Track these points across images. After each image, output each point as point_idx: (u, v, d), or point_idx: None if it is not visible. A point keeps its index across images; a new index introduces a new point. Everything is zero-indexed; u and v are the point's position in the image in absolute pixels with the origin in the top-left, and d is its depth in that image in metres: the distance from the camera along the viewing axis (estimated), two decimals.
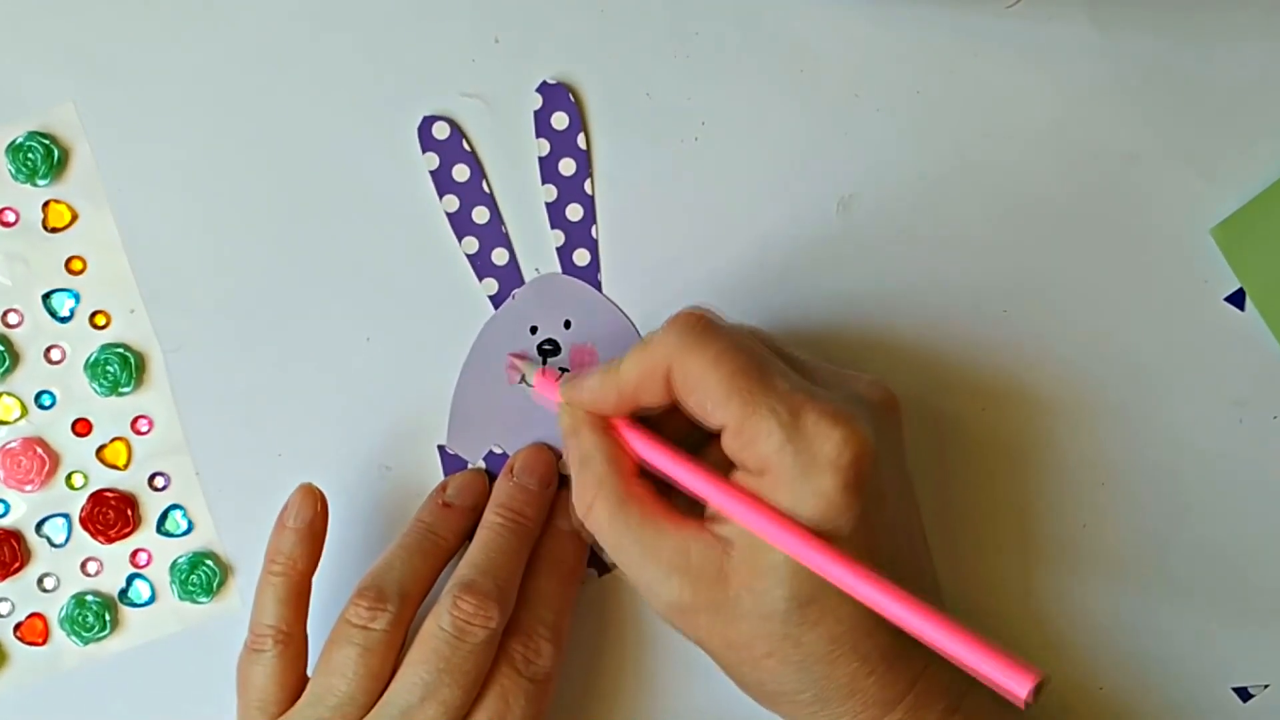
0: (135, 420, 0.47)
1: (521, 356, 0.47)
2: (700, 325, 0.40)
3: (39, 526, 0.47)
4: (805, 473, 0.38)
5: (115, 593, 0.47)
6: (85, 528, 0.47)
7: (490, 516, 0.45)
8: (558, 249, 0.47)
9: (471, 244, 0.47)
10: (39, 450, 0.47)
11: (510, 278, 0.47)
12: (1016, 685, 0.36)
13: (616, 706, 0.48)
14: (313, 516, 0.44)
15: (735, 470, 0.40)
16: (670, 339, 0.40)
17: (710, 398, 0.39)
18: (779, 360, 0.41)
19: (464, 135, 0.47)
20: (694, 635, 0.41)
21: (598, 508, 0.41)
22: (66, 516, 0.47)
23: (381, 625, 0.42)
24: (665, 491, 0.42)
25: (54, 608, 0.47)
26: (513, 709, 0.42)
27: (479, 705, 0.42)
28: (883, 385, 0.43)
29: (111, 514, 0.47)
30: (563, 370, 0.47)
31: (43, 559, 0.47)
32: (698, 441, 0.43)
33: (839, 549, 0.38)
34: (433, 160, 0.47)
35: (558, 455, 0.47)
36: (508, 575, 0.43)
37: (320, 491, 0.45)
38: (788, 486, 0.38)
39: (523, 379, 0.47)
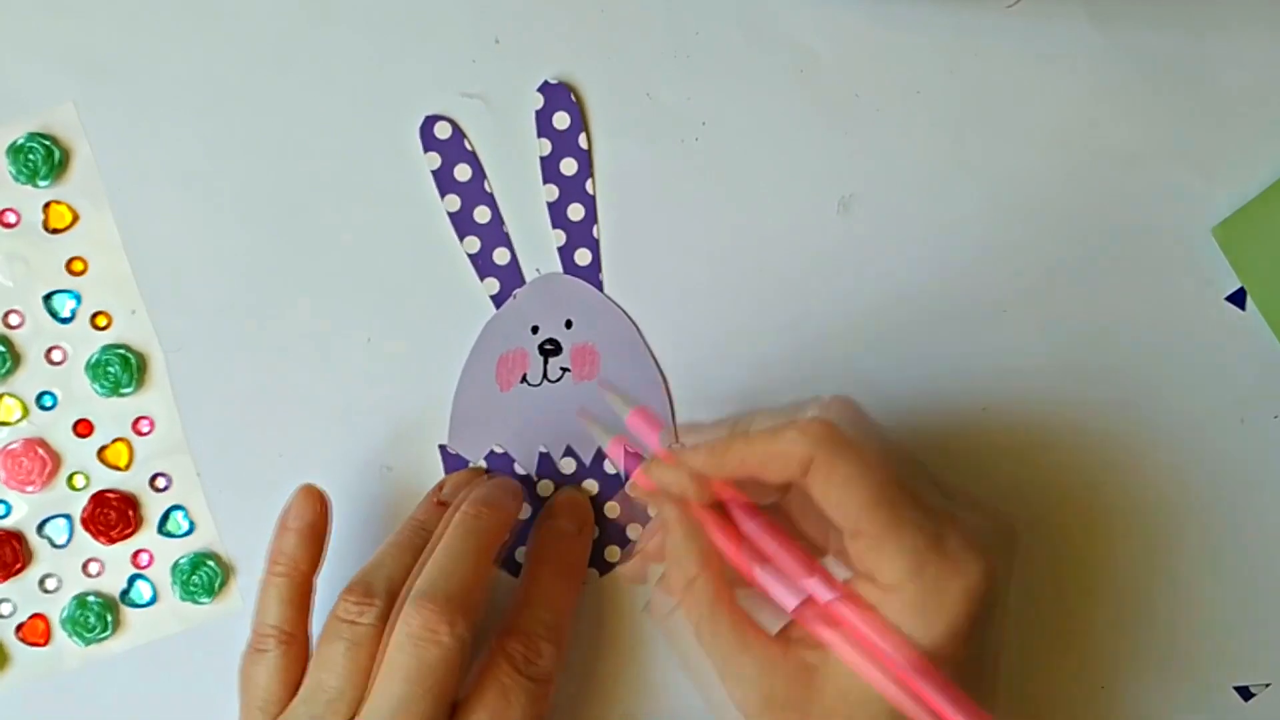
0: (136, 421, 0.47)
1: (615, 393, 0.46)
2: (854, 420, 0.40)
3: (40, 527, 0.47)
4: (937, 596, 0.37)
5: (117, 593, 0.47)
6: (87, 528, 0.47)
7: (461, 507, 0.44)
8: (559, 249, 0.47)
9: (473, 243, 0.47)
10: (40, 451, 0.47)
11: (511, 277, 0.47)
12: None
13: (616, 706, 0.48)
14: (314, 517, 0.44)
15: (853, 578, 0.39)
16: (818, 430, 0.39)
17: (857, 501, 0.38)
18: (924, 473, 0.40)
19: (465, 135, 0.47)
20: None
21: (693, 607, 0.40)
22: (68, 517, 0.47)
23: (369, 620, 0.42)
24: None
25: (55, 608, 0.47)
26: (513, 707, 0.42)
27: (479, 703, 0.42)
28: (1008, 520, 0.42)
29: (113, 515, 0.47)
30: (564, 370, 0.47)
31: (44, 560, 0.47)
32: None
33: (949, 679, 0.37)
34: (434, 160, 0.47)
35: (536, 479, 0.48)
36: (468, 579, 0.42)
37: (322, 491, 0.45)
38: (914, 606, 0.38)
39: (615, 400, 0.45)
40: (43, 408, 0.47)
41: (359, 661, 0.42)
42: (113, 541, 0.47)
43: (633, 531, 0.48)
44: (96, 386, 0.47)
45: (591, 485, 0.48)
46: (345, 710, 0.42)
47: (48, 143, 0.47)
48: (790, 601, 0.39)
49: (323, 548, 0.44)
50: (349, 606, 0.42)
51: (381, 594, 0.42)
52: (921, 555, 0.37)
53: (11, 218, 0.47)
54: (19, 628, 0.47)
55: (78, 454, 0.47)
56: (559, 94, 0.47)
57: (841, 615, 0.39)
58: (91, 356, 0.47)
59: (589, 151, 0.47)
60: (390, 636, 0.41)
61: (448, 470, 0.47)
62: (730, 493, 0.41)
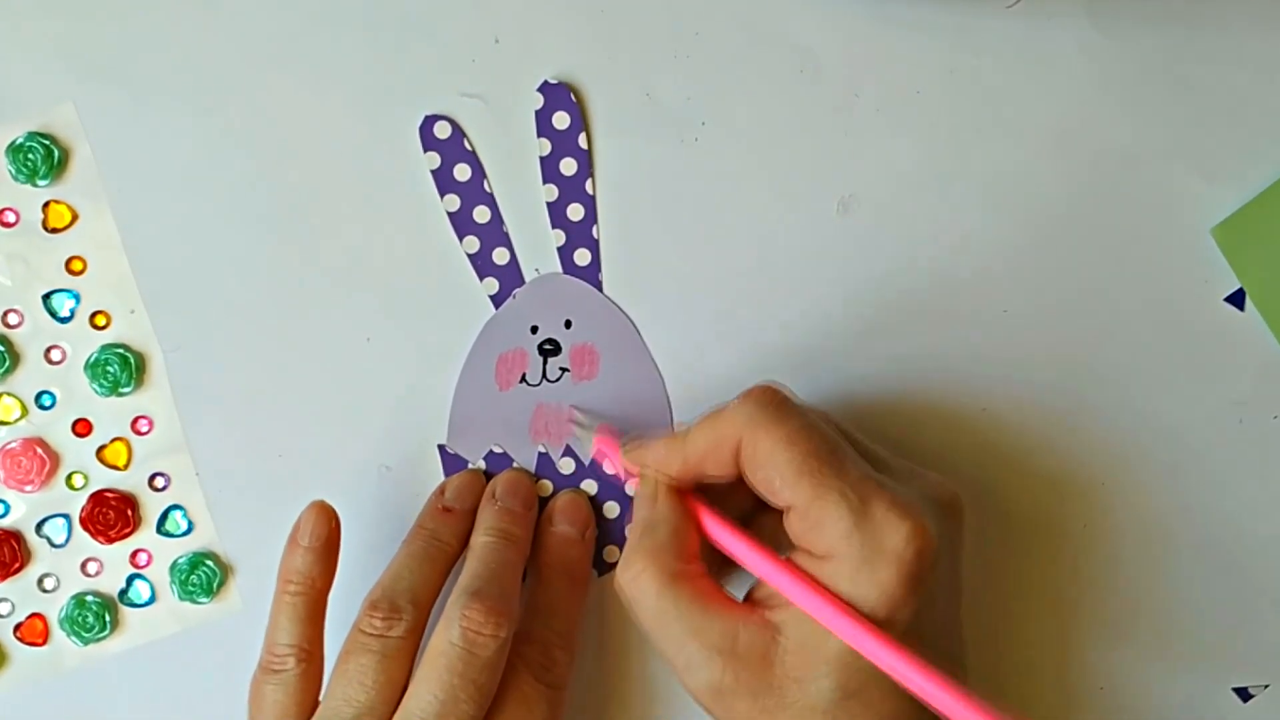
0: (135, 420, 0.47)
1: (582, 412, 0.47)
2: (775, 401, 0.40)
3: (39, 527, 0.47)
4: (869, 561, 0.38)
5: (115, 593, 0.47)
6: (85, 528, 0.47)
7: (479, 538, 0.45)
8: (558, 249, 0.47)
9: (472, 243, 0.47)
10: (39, 450, 0.47)
11: (511, 277, 0.47)
12: None
13: (619, 705, 0.48)
14: (328, 534, 0.44)
15: (794, 552, 0.40)
16: (743, 413, 0.40)
17: (780, 476, 0.39)
18: (850, 446, 0.41)
19: (465, 135, 0.47)
20: (725, 719, 0.40)
21: (646, 577, 0.40)
22: (66, 517, 0.47)
23: (399, 632, 0.42)
24: (717, 574, 0.42)
25: (54, 608, 0.47)
26: (535, 715, 0.42)
27: (500, 713, 0.42)
28: (950, 487, 0.42)
29: (111, 514, 0.47)
30: (564, 370, 0.47)
31: (43, 559, 0.47)
32: (754, 519, 0.43)
33: (896, 640, 0.38)
34: (434, 160, 0.47)
35: (535, 478, 0.47)
36: (510, 585, 0.43)
37: (332, 508, 0.44)
38: (850, 573, 0.38)
39: (578, 426, 0.47)
40: (42, 407, 0.47)
41: (389, 674, 0.41)
42: (111, 541, 0.47)
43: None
44: (95, 386, 0.47)
45: (591, 485, 0.48)
46: None
47: (47, 142, 0.47)
48: (759, 565, 0.40)
49: (336, 563, 0.44)
50: (375, 621, 0.42)
51: (408, 607, 0.42)
52: (847, 522, 0.38)
53: (11, 217, 0.47)
54: (17, 627, 0.47)
55: (76, 453, 0.47)
56: (559, 94, 0.47)
57: (802, 579, 0.39)
58: (90, 356, 0.47)
59: (589, 151, 0.47)
60: (432, 641, 0.41)
61: (447, 470, 0.47)
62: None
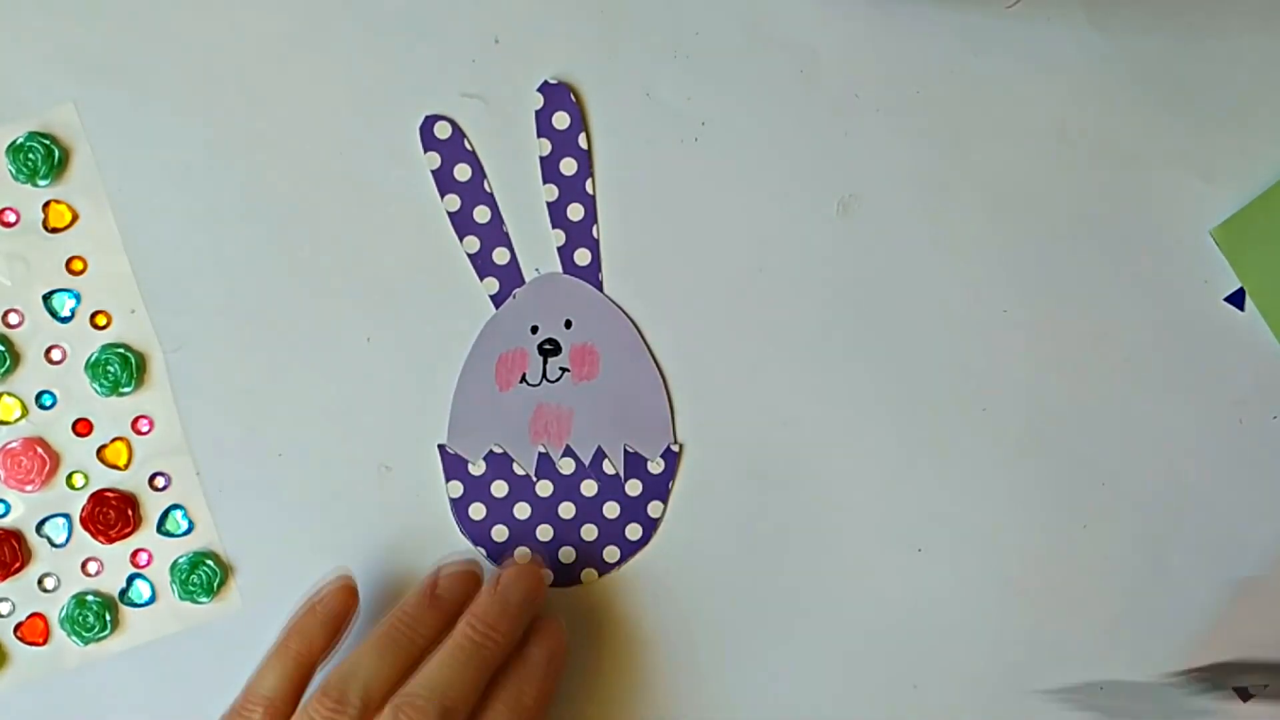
0: (136, 420, 0.47)
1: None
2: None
3: (39, 526, 0.47)
4: None
5: (116, 593, 0.47)
6: (86, 528, 0.47)
7: (462, 628, 0.44)
8: (559, 248, 0.48)
9: (473, 243, 0.47)
10: (39, 450, 0.47)
11: (511, 277, 0.47)
12: None
13: (617, 709, 0.48)
14: (343, 610, 0.44)
15: None
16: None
17: None
18: None
19: (465, 135, 0.47)
20: None
21: None
22: (67, 516, 0.47)
23: None
24: None
25: (54, 608, 0.47)
26: None
27: None
28: None
29: (112, 514, 0.47)
30: (564, 370, 0.47)
31: (43, 559, 0.47)
32: None
33: None
34: (434, 160, 0.47)
35: (548, 574, 0.47)
36: (458, 698, 0.42)
37: (355, 589, 0.45)
38: None
39: None
40: (42, 407, 0.47)
41: None
42: (112, 541, 0.47)
43: (631, 532, 0.48)
44: (96, 386, 0.47)
45: (591, 486, 0.48)
46: None
47: (47, 142, 0.47)
48: None
49: (340, 638, 0.44)
50: (321, 709, 0.41)
51: (356, 701, 0.42)
52: None
53: (11, 217, 0.47)
54: (18, 627, 0.47)
55: (77, 453, 0.47)
56: (559, 94, 0.47)
57: None
58: (91, 356, 0.47)
59: (589, 151, 0.47)
60: None
61: (447, 470, 0.47)
62: None
